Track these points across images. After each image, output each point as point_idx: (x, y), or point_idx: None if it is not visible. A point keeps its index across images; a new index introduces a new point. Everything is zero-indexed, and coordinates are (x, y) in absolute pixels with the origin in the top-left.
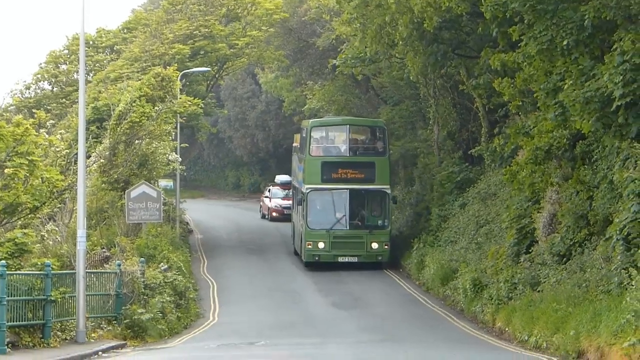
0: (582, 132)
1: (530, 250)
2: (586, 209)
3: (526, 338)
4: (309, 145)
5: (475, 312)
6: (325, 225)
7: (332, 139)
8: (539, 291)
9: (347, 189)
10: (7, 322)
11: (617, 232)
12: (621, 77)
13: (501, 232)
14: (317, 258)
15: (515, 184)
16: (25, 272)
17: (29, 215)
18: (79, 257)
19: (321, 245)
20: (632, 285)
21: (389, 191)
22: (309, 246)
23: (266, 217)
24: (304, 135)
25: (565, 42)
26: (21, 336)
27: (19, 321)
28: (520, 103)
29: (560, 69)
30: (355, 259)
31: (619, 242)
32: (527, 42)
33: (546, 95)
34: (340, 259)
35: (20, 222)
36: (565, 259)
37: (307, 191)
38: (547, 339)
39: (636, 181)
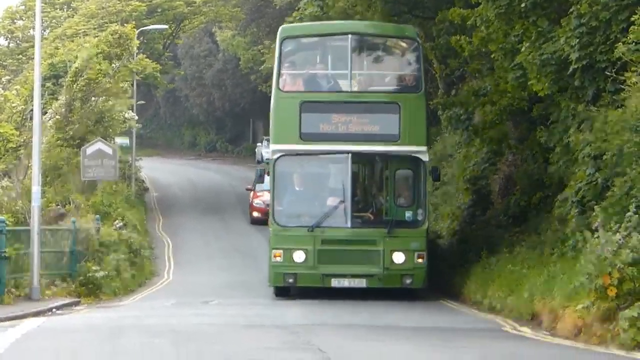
0: (539, 94)
1: (485, 213)
2: (541, 171)
3: (480, 300)
4: (279, 72)
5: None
6: (307, 220)
7: (322, 61)
8: (494, 254)
9: (347, 152)
10: None
11: (573, 194)
12: (577, 41)
13: (457, 193)
14: (290, 280)
15: (479, 143)
16: None
17: None
18: (34, 213)
19: (299, 256)
20: (587, 248)
21: (425, 157)
22: (277, 258)
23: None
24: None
25: (523, 5)
26: None
27: None
28: (479, 66)
29: (518, 31)
30: (362, 283)
31: (574, 205)
32: (485, 6)
33: (504, 56)
34: (334, 282)
35: None
36: (519, 221)
37: (276, 157)
38: (501, 300)
39: (591, 144)
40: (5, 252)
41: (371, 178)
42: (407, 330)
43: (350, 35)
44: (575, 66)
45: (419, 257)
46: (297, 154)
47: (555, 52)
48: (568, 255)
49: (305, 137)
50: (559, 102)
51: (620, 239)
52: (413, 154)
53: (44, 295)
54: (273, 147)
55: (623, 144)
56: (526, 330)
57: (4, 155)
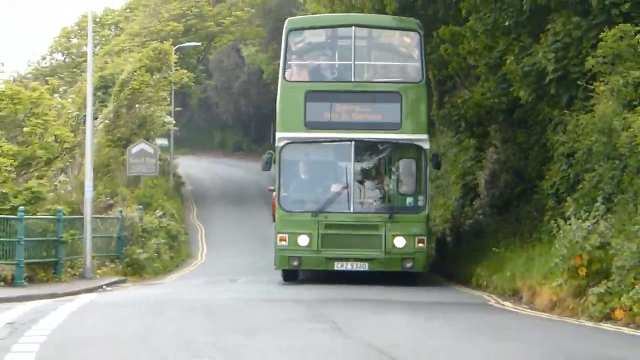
0: (520, 100)
1: (473, 203)
2: (522, 167)
3: (469, 278)
4: (285, 62)
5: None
6: (311, 205)
7: (326, 52)
8: (480, 238)
9: (351, 140)
10: (25, 259)
11: (549, 187)
12: (553, 55)
13: (449, 186)
14: (295, 263)
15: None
16: (40, 216)
17: (44, 168)
18: (87, 204)
19: (303, 240)
20: (560, 234)
21: (426, 145)
22: (282, 242)
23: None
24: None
25: (506, 23)
26: (37, 272)
27: (35, 259)
28: (467, 74)
29: (502, 46)
30: (364, 266)
31: (549, 196)
32: (474, 23)
33: (488, 69)
34: (337, 266)
35: (36, 174)
36: (503, 210)
37: (281, 144)
38: (487, 279)
39: (565, 144)
40: (62, 237)
41: (374, 165)
42: (404, 304)
43: (354, 27)
44: (552, 76)
45: (419, 241)
46: (302, 142)
47: (534, 64)
48: (544, 240)
49: (309, 126)
50: (537, 107)
51: (589, 226)
52: (414, 142)
53: (95, 275)
54: (279, 134)
55: (592, 144)
56: (508, 305)
57: (60, 155)
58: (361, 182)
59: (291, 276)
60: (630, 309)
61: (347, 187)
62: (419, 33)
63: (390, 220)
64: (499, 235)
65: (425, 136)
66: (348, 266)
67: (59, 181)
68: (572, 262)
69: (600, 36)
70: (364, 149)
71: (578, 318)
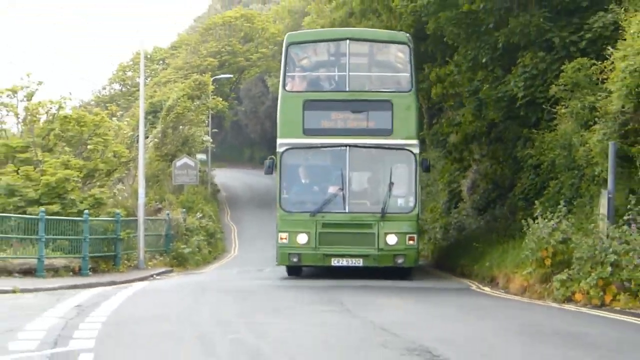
0: (495, 121)
1: (457, 206)
2: (497, 176)
3: (454, 268)
4: (285, 74)
5: (421, 249)
6: (309, 206)
7: (323, 64)
8: (463, 234)
9: (345, 145)
10: (89, 254)
11: (519, 193)
12: (523, 83)
13: (438, 192)
14: (295, 260)
15: (450, 160)
16: (102, 218)
17: (104, 178)
18: (140, 208)
19: (302, 239)
20: (530, 231)
21: (415, 150)
22: (283, 240)
23: None
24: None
25: (484, 59)
26: (99, 264)
27: (98, 253)
28: (452, 103)
29: (480, 76)
30: (359, 262)
31: (520, 200)
32: (458, 59)
33: (469, 95)
34: (334, 262)
35: (98, 183)
36: (482, 212)
37: (282, 150)
38: (469, 268)
39: (533, 157)
40: (120, 235)
41: (367, 168)
42: (399, 289)
43: (348, 41)
44: (521, 101)
45: (410, 239)
46: (301, 147)
47: (507, 92)
48: (516, 236)
49: (307, 132)
50: (509, 127)
51: (553, 225)
52: (405, 147)
53: (147, 266)
54: (279, 141)
55: (555, 157)
56: (487, 289)
57: (118, 167)
58: (356, 184)
59: (294, 272)
60: (588, 293)
61: (342, 189)
62: (409, 46)
63: (383, 219)
64: (479, 232)
65: (415, 141)
66: (344, 262)
67: (117, 189)
68: (539, 254)
69: (562, 68)
70: (358, 153)
71: (544, 300)
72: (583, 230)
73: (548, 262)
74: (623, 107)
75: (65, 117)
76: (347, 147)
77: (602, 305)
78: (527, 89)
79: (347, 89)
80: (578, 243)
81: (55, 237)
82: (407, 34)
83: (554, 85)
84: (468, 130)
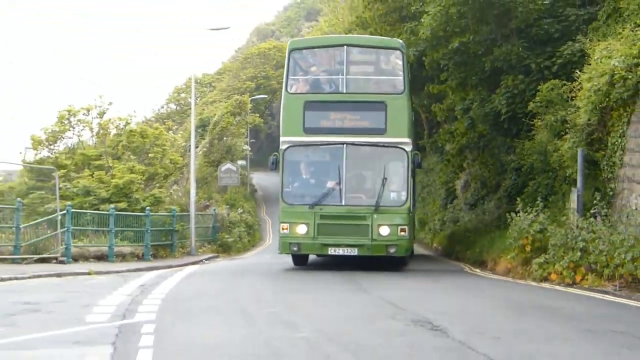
0: (483, 133)
1: (452, 202)
2: (485, 178)
3: (450, 253)
4: (287, 77)
5: (420, 237)
6: (308, 199)
7: (322, 68)
8: (458, 225)
9: (343, 143)
10: (150, 242)
11: (504, 191)
12: (505, 101)
13: (436, 190)
14: (295, 249)
15: (447, 165)
16: (161, 214)
17: (162, 181)
18: (191, 205)
19: (302, 229)
20: (512, 223)
21: (408, 148)
22: (284, 230)
23: None
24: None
25: (474, 81)
26: (158, 251)
27: (157, 242)
28: (447, 115)
29: (470, 96)
30: (354, 251)
31: (504, 197)
32: (450, 82)
33: (462, 112)
34: (331, 251)
35: (157, 185)
36: (473, 207)
37: (284, 147)
38: (462, 253)
39: (514, 162)
40: (175, 227)
41: (363, 164)
42: (403, 271)
43: (345, 47)
44: (505, 116)
45: (401, 230)
46: (302, 145)
47: (492, 108)
48: (501, 226)
49: (308, 131)
50: (495, 137)
51: (532, 217)
52: (397, 145)
53: (198, 252)
54: (282, 139)
55: (533, 162)
56: (477, 271)
57: (174, 172)
58: (352, 180)
59: (301, 261)
60: (561, 273)
61: (339, 183)
62: (402, 51)
63: (377, 211)
64: (470, 224)
65: (407, 139)
66: (340, 251)
67: (173, 190)
68: (520, 241)
69: (538, 88)
70: (354, 150)
71: (525, 280)
72: (557, 221)
73: (528, 248)
74: (589, 120)
75: (131, 131)
76: (344, 145)
77: (573, 284)
78: (509, 106)
79: (345, 91)
80: (553, 232)
81: (122, 229)
82: (401, 41)
83: (531, 102)
84: (461, 140)
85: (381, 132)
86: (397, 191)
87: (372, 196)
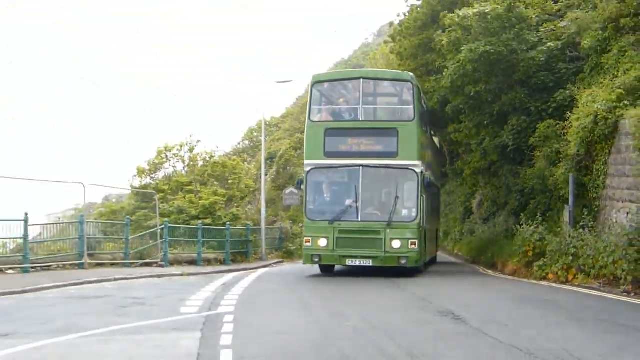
0: (494, 161)
1: (469, 217)
2: (495, 198)
3: (468, 257)
4: (310, 107)
5: (445, 245)
6: (328, 215)
7: (341, 99)
8: (474, 236)
9: (359, 166)
10: (230, 250)
11: (510, 208)
12: (511, 137)
13: (456, 208)
14: (316, 260)
15: (466, 184)
16: (238, 227)
17: (239, 201)
18: (262, 220)
19: (322, 242)
20: (517, 233)
21: (418, 170)
22: (307, 243)
23: None
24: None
25: (485, 122)
26: (236, 257)
27: (235, 250)
28: (464, 149)
29: (483, 134)
30: (369, 262)
31: (511, 213)
32: (467, 121)
33: (477, 146)
34: (348, 262)
35: (235, 205)
36: (486, 221)
37: (308, 169)
38: (477, 258)
39: (519, 184)
40: (250, 238)
41: (377, 184)
42: (429, 272)
43: (361, 79)
44: (511, 148)
45: (412, 243)
46: (323, 167)
47: (501, 142)
48: (509, 236)
49: (328, 155)
50: (503, 166)
51: (533, 229)
52: (408, 167)
53: (267, 258)
54: (306, 162)
55: (533, 185)
56: (490, 272)
57: (248, 194)
58: (367, 198)
59: (327, 269)
60: (556, 274)
61: (356, 201)
62: (412, 83)
63: (389, 227)
64: (484, 234)
65: (417, 162)
66: (356, 262)
67: (247, 209)
68: (524, 248)
69: (537, 126)
70: (369, 172)
71: (528, 279)
72: (553, 232)
73: (530, 253)
74: (578, 151)
75: (215, 162)
76: (360, 167)
77: (566, 282)
78: (514, 140)
79: (361, 119)
80: (550, 241)
81: (208, 239)
82: (411, 74)
83: (532, 138)
84: (475, 168)
85: (393, 155)
86: (409, 208)
87: (385, 213)
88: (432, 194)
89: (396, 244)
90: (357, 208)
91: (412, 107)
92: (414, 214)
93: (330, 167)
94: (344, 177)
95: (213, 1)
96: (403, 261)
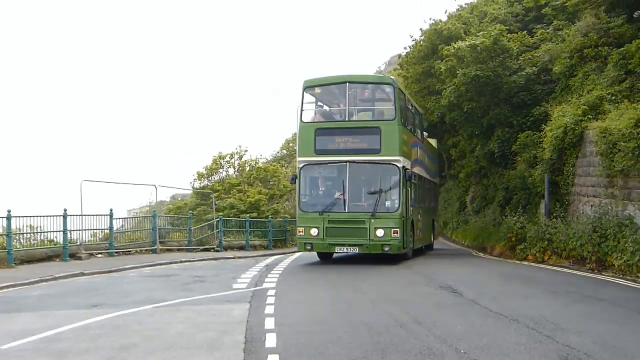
0: (483, 165)
1: (464, 210)
2: (485, 194)
3: (463, 242)
4: (301, 109)
5: (444, 232)
6: (319, 207)
7: (329, 101)
8: (467, 225)
9: (346, 161)
10: (272, 238)
11: (497, 203)
12: (497, 144)
13: (453, 203)
14: (309, 247)
15: (461, 184)
16: (278, 220)
17: (279, 199)
18: (298, 214)
19: (314, 231)
20: (503, 223)
21: (399, 164)
22: (300, 233)
23: None
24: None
25: (477, 132)
26: (277, 243)
27: (275, 238)
28: (459, 155)
29: (475, 142)
30: (355, 249)
31: (497, 207)
32: (461, 133)
33: (469, 152)
34: (337, 249)
35: (276, 202)
36: (477, 213)
37: (300, 166)
38: (470, 242)
39: (504, 183)
40: (287, 228)
41: (362, 178)
42: (431, 255)
43: (347, 83)
44: (497, 154)
45: (394, 232)
46: (314, 164)
47: (489, 149)
48: (496, 225)
49: (318, 152)
50: (491, 169)
51: (516, 219)
52: (390, 162)
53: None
54: (298, 159)
55: (516, 184)
56: (480, 254)
57: (285, 193)
58: (353, 191)
59: (324, 257)
60: (535, 255)
61: (343, 194)
62: (393, 86)
63: (373, 217)
64: (476, 224)
65: (398, 157)
66: (344, 249)
67: (285, 204)
68: (508, 234)
69: (518, 136)
70: (355, 167)
71: (512, 259)
72: (532, 222)
73: (513, 239)
74: (551, 156)
75: (259, 167)
76: (347, 163)
77: (542, 262)
78: (499, 148)
79: (347, 119)
80: (529, 229)
81: (254, 229)
82: (393, 77)
83: (514, 145)
84: (469, 170)
85: (377, 151)
86: (391, 200)
87: (370, 204)
88: (426, 188)
89: (380, 232)
90: (344, 200)
91: (393, 107)
92: (396, 205)
93: (321, 163)
94: (333, 172)
95: (255, 23)
96: (386, 248)
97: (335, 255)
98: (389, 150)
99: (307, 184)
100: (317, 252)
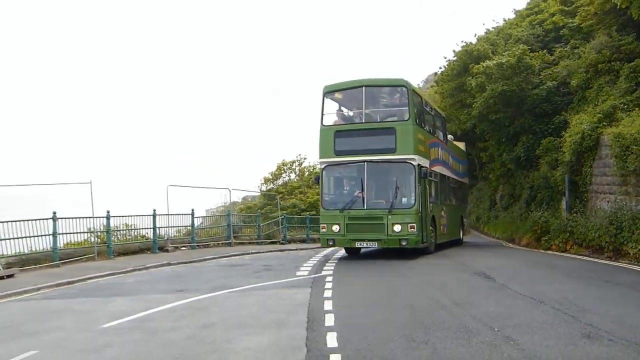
0: (510, 168)
1: (494, 206)
2: (512, 193)
3: (494, 235)
4: (322, 113)
5: (478, 226)
6: (340, 205)
7: (348, 105)
8: (497, 219)
9: (364, 161)
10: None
11: (523, 200)
12: (523, 149)
13: (484, 200)
14: (331, 243)
15: (491, 185)
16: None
17: None
18: None
19: (335, 228)
20: (529, 217)
21: (414, 162)
22: (323, 229)
23: None
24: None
25: (503, 139)
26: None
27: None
28: (489, 159)
29: (501, 150)
30: (374, 244)
31: (524, 204)
32: (490, 140)
33: (497, 156)
34: (357, 244)
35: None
36: (506, 209)
37: (322, 166)
38: (500, 234)
39: (529, 183)
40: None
41: (380, 177)
42: (466, 245)
43: (363, 87)
44: (522, 158)
45: (410, 227)
46: (334, 164)
47: (515, 154)
48: (523, 219)
49: (338, 153)
50: (517, 172)
51: (540, 214)
52: (405, 160)
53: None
54: (320, 160)
55: (540, 183)
56: (510, 244)
57: None
58: (372, 189)
59: (352, 252)
60: (558, 245)
61: (362, 192)
62: (407, 88)
63: (391, 213)
64: (505, 218)
65: (413, 156)
66: (364, 244)
67: None
68: (534, 227)
69: (541, 142)
70: (373, 166)
71: (537, 249)
72: (555, 216)
73: (538, 231)
74: (571, 159)
75: (316, 172)
76: (365, 163)
77: (564, 251)
78: (525, 153)
79: (364, 121)
80: (552, 222)
81: (313, 225)
82: (406, 80)
83: (537, 150)
84: (498, 172)
85: (392, 151)
86: (407, 197)
87: (387, 201)
88: (451, 187)
89: (397, 227)
90: (363, 198)
91: (407, 108)
92: (412, 201)
93: (340, 163)
94: (353, 172)
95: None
96: (404, 243)
97: (362, 250)
98: (404, 149)
99: (329, 183)
100: (345, 248)
